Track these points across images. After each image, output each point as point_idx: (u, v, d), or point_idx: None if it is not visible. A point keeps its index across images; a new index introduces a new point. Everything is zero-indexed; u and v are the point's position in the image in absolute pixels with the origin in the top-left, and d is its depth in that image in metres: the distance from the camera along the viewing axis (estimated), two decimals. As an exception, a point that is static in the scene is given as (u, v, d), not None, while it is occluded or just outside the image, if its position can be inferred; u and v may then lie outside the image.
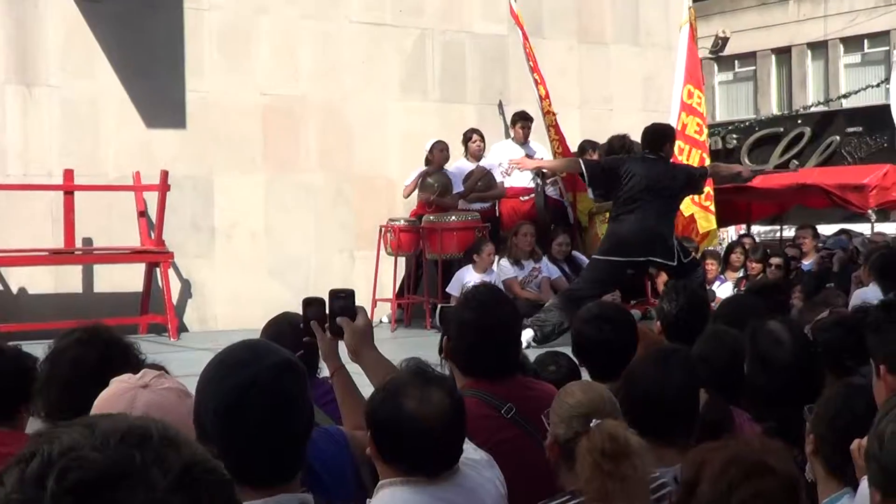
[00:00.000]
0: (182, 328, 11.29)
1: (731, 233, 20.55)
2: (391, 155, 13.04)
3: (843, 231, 15.89)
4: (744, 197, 16.46)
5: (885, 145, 25.53)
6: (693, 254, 11.43)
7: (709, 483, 2.71)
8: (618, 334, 4.79)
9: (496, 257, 11.56)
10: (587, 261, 12.29)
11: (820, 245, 14.06)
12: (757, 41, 32.12)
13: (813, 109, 28.74)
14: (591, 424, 3.10)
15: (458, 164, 12.68)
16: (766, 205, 18.02)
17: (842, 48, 31.04)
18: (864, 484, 3.08)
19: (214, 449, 1.24)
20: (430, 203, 12.13)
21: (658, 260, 10.49)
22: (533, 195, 12.84)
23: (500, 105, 13.70)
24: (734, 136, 28.31)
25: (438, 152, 12.46)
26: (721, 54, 32.74)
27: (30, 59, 11.19)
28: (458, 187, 12.42)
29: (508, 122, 13.43)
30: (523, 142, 13.00)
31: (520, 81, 13.56)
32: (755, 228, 19.02)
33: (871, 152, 25.50)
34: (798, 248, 14.12)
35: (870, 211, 16.41)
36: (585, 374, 4.88)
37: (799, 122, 27.74)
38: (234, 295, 11.88)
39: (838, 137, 26.77)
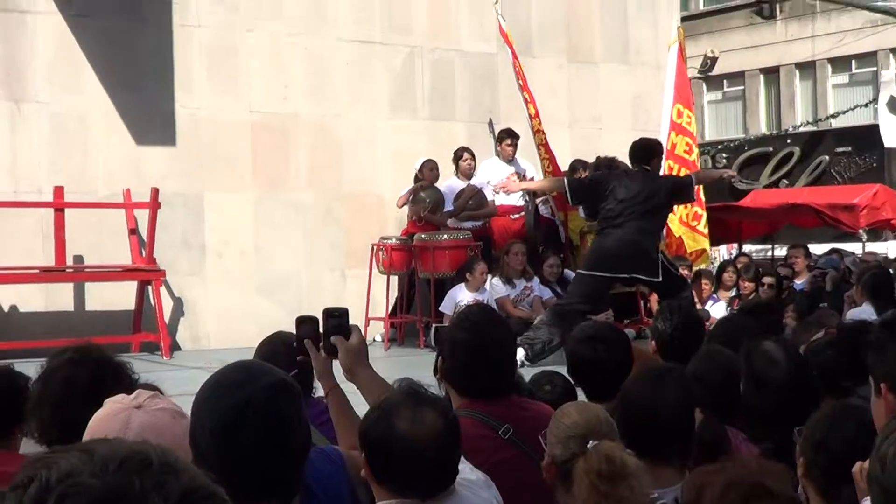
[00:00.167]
0: (175, 346, 11.25)
1: (722, 252, 20.57)
2: (381, 173, 13.03)
3: (834, 250, 15.90)
4: (735, 216, 16.50)
5: (874, 165, 25.56)
6: (681, 272, 11.40)
7: (709, 506, 2.69)
8: (612, 354, 4.78)
9: (488, 276, 11.54)
10: (577, 278, 12.31)
11: (812, 264, 14.06)
12: (745, 61, 32.24)
13: (802, 129, 28.80)
14: (588, 446, 3.08)
15: (448, 183, 12.67)
16: (756, 224, 18.04)
17: (830, 68, 31.19)
18: (865, 505, 3.06)
19: (212, 473, 1.21)
20: (420, 219, 12.11)
21: (642, 277, 10.50)
22: (523, 213, 12.83)
23: (490, 123, 13.70)
24: (723, 155, 28.32)
25: (428, 171, 12.46)
26: (710, 74, 32.83)
27: (18, 75, 11.16)
28: (449, 205, 12.41)
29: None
30: (511, 159, 12.98)
31: (509, 100, 13.56)
32: (746, 248, 19.02)
33: (861, 172, 25.52)
34: (790, 267, 14.12)
35: (861, 230, 16.45)
36: (581, 395, 4.86)
37: (788, 141, 27.77)
38: (225, 313, 11.84)
39: (827, 157, 26.79)
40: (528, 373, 5.22)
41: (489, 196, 12.66)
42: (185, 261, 11.76)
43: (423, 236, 11.82)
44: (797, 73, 31.78)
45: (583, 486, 2.98)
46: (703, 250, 13.75)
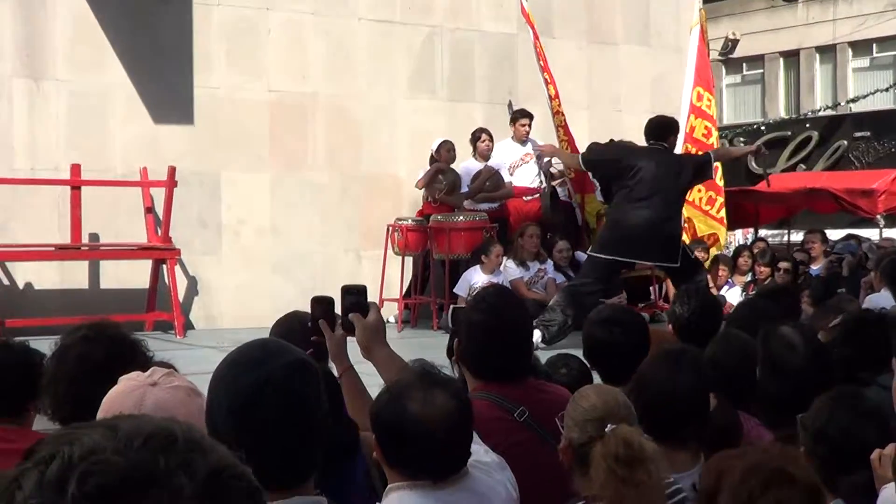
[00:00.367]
0: (188, 325, 11.26)
1: (738, 236, 20.50)
2: (399, 154, 12.99)
3: (851, 236, 15.84)
4: (751, 200, 16.43)
5: (893, 150, 25.47)
6: (696, 256, 11.27)
7: (729, 492, 2.67)
8: (628, 337, 4.76)
9: (503, 258, 11.50)
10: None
11: (828, 249, 14.00)
12: (765, 44, 32.06)
13: (821, 113, 28.67)
14: (606, 430, 3.06)
15: (465, 164, 12.62)
16: (773, 209, 17.96)
17: (850, 52, 30.99)
18: (886, 492, 3.03)
19: (240, 453, 1.18)
20: (435, 200, 12.08)
21: (661, 263, 10.41)
22: (537, 195, 12.78)
23: (510, 104, 13.63)
24: (741, 139, 28.23)
25: (445, 152, 12.40)
26: (731, 56, 32.68)
27: (37, 53, 11.15)
28: (466, 187, 12.37)
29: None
30: (524, 139, 12.91)
31: (528, 81, 13.50)
32: (762, 232, 18.95)
33: (879, 157, 25.43)
34: (806, 252, 14.07)
35: (878, 216, 16.37)
36: (597, 377, 4.84)
37: (807, 125, 27.68)
38: (240, 292, 11.84)
39: (846, 142, 26.70)
40: (543, 355, 5.19)
41: (506, 178, 12.62)
42: (200, 240, 11.75)
43: (438, 217, 11.78)
44: (817, 56, 31.60)
45: (600, 470, 2.97)
46: (715, 235, 13.67)
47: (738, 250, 14.43)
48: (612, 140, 12.95)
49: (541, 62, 12.83)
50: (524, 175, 12.75)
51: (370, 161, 12.80)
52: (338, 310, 3.84)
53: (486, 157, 12.70)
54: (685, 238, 11.64)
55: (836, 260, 13.03)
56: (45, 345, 3.81)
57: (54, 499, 1.05)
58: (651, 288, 12.92)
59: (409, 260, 12.06)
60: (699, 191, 13.04)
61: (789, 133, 27.83)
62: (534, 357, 4.47)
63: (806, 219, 18.91)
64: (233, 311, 11.73)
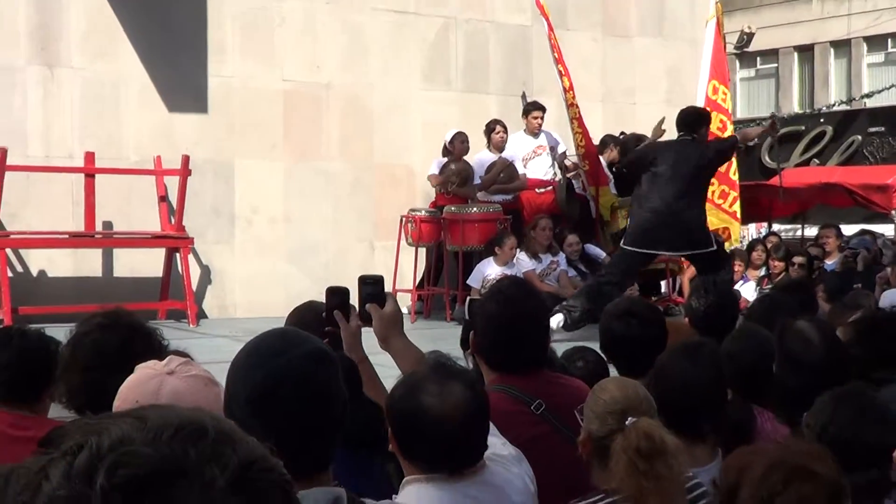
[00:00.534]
0: (201, 314, 11.26)
1: (751, 230, 20.43)
2: (412, 144, 12.98)
3: (864, 231, 15.77)
4: (765, 195, 16.35)
5: (908, 146, 25.33)
6: (723, 248, 11.16)
7: (749, 488, 2.64)
8: (646, 330, 4.73)
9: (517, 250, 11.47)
10: (602, 254, 12.24)
11: (843, 245, 13.94)
12: (780, 38, 31.95)
13: (835, 108, 28.55)
14: (627, 422, 3.04)
15: (479, 156, 12.59)
16: (787, 203, 17.87)
17: (865, 47, 30.88)
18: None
19: (271, 445, 1.16)
20: (447, 192, 12.06)
21: (682, 252, 10.30)
22: (551, 187, 12.74)
23: (524, 96, 13.59)
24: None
25: (459, 143, 12.37)
26: (745, 50, 32.58)
27: (52, 40, 11.15)
28: (479, 179, 12.35)
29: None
30: (537, 132, 12.86)
31: (543, 73, 13.47)
32: (775, 227, 18.88)
33: (894, 152, 25.29)
34: (821, 247, 14.01)
35: (893, 212, 16.30)
36: (613, 371, 4.81)
37: (821, 120, 27.57)
38: (253, 281, 11.85)
39: (860, 137, 26.54)
40: (559, 348, 5.16)
41: (520, 170, 12.59)
42: (213, 228, 11.75)
43: (452, 209, 11.76)
44: (832, 51, 31.49)
45: (621, 463, 2.94)
46: (728, 230, 13.60)
47: (752, 245, 14.38)
48: (622, 133, 12.94)
49: (555, 54, 12.78)
50: (537, 167, 12.74)
51: (384, 151, 12.78)
52: (353, 300, 3.82)
53: (500, 149, 12.67)
54: None
55: (851, 255, 12.98)
56: (58, 332, 3.80)
57: (82, 490, 1.03)
58: (664, 281, 12.88)
59: (422, 251, 12.04)
60: (713, 184, 12.98)
61: (803, 128, 27.70)
62: (550, 350, 4.44)
63: (820, 213, 18.82)
64: (245, 301, 11.74)
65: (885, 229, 16.98)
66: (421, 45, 13.15)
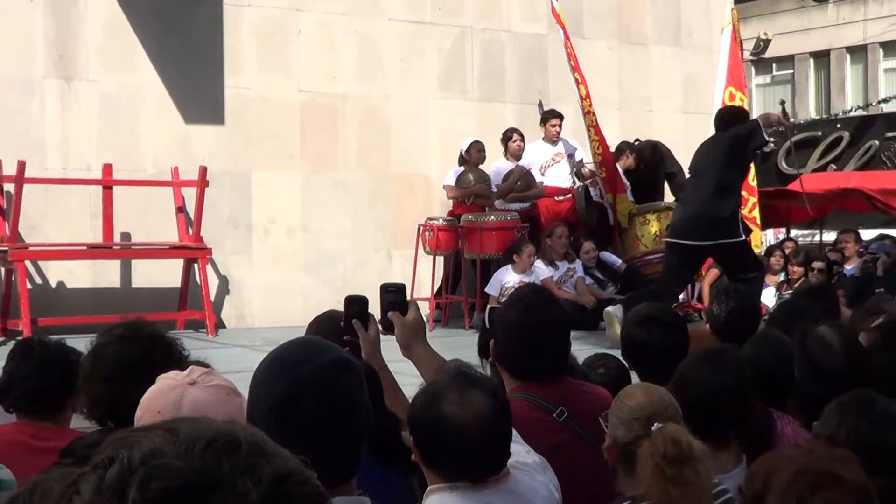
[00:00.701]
0: (219, 324, 11.27)
1: (769, 236, 20.36)
2: (429, 154, 12.98)
3: (883, 236, 15.69)
4: (784, 201, 16.29)
5: (926, 151, 25.26)
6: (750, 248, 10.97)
7: (776, 495, 2.61)
8: (668, 336, 4.70)
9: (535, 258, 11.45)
10: (618, 261, 12.21)
11: (862, 249, 13.87)
12: (795, 44, 31.89)
13: (852, 114, 28.48)
14: (653, 428, 3.02)
15: (496, 164, 12.59)
16: (806, 208, 17.79)
17: (881, 52, 30.81)
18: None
19: (307, 457, 1.14)
20: (464, 200, 12.05)
21: (715, 241, 9.98)
22: (569, 195, 12.72)
23: (540, 104, 13.59)
24: (771, 139, 28.02)
25: (476, 152, 12.36)
26: (762, 56, 32.53)
27: (69, 53, 11.18)
28: (495, 188, 12.34)
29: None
30: (555, 140, 12.85)
31: (559, 81, 13.47)
32: (793, 232, 18.82)
33: (911, 158, 25.22)
34: (840, 252, 13.95)
35: (911, 217, 16.23)
36: (635, 377, 4.79)
37: (838, 126, 27.50)
38: (270, 291, 11.86)
39: (877, 142, 26.44)
40: (581, 355, 5.15)
41: (538, 178, 12.58)
42: (231, 239, 11.77)
43: (469, 217, 11.76)
44: (848, 56, 31.42)
45: (647, 469, 2.92)
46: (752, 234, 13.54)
47: (770, 250, 14.32)
48: (636, 139, 12.90)
49: (571, 62, 12.76)
50: (556, 175, 12.72)
51: (401, 161, 12.78)
52: (373, 309, 3.81)
53: (517, 157, 12.66)
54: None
55: (871, 260, 12.91)
56: (78, 343, 3.79)
57: None
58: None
59: (440, 259, 12.03)
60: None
61: (819, 133, 27.62)
62: (571, 357, 4.43)
63: (838, 218, 18.75)
64: (263, 311, 11.75)
65: (902, 234, 16.89)
66: (437, 55, 13.15)
